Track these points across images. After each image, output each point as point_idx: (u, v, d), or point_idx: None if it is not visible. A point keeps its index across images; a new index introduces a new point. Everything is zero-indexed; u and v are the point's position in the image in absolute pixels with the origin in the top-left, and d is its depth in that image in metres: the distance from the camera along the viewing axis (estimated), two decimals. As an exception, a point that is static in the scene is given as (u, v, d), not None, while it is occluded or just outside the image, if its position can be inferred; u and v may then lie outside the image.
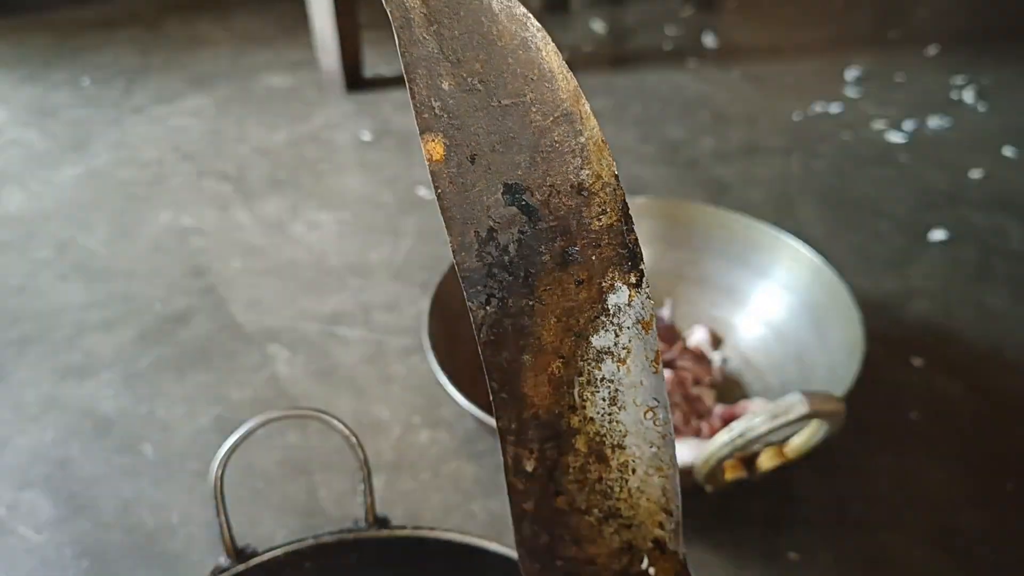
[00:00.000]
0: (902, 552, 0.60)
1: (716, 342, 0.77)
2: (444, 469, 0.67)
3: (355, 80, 1.34)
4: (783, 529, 0.62)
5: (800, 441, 0.53)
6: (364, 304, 0.87)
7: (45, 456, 0.70)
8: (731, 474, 0.54)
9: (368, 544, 0.45)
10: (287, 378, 0.77)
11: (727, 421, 0.66)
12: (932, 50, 1.43)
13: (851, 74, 1.35)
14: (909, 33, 1.53)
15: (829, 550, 0.60)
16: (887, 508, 0.64)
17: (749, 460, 0.54)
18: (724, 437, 0.50)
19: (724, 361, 0.75)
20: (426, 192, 1.07)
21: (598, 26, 1.60)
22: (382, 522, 0.46)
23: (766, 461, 0.54)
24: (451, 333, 0.69)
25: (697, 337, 0.76)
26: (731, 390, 0.73)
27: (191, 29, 1.57)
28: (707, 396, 0.70)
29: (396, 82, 1.37)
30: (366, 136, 1.21)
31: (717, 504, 0.63)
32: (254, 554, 0.43)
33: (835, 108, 1.26)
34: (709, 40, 1.52)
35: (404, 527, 0.45)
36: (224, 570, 0.42)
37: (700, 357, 0.73)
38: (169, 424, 0.72)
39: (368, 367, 0.78)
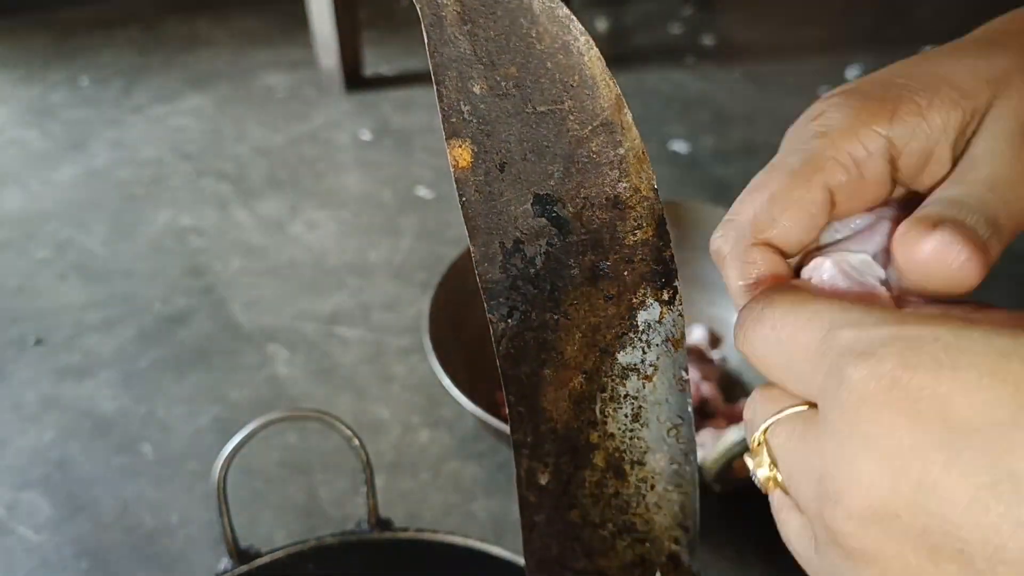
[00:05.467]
0: (903, 552, 0.60)
1: (715, 341, 0.76)
2: (444, 469, 0.67)
3: (355, 79, 1.34)
4: (784, 529, 0.62)
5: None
6: (364, 304, 0.87)
7: (44, 456, 0.69)
8: (741, 473, 0.54)
9: (370, 546, 0.45)
10: (286, 378, 0.77)
11: (729, 420, 0.66)
12: (932, 48, 1.42)
13: (851, 73, 1.35)
14: (909, 32, 1.53)
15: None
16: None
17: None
18: (735, 436, 0.50)
19: (723, 360, 0.75)
20: (426, 192, 1.06)
21: (598, 24, 1.60)
22: (385, 524, 0.45)
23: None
24: (451, 333, 0.68)
25: (696, 336, 0.76)
26: (731, 389, 0.73)
27: (190, 29, 1.57)
28: (714, 395, 0.70)
29: (396, 81, 1.36)
30: (366, 135, 1.21)
31: (718, 503, 0.63)
32: (257, 555, 0.43)
33: (835, 107, 1.25)
34: (709, 39, 1.52)
35: (406, 529, 0.45)
36: (226, 571, 0.42)
37: (702, 356, 0.72)
38: (168, 424, 0.72)
39: (368, 367, 0.78)
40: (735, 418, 0.66)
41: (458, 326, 0.69)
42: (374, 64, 1.40)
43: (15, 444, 0.71)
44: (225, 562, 0.42)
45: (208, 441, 0.70)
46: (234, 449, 0.41)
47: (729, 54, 1.46)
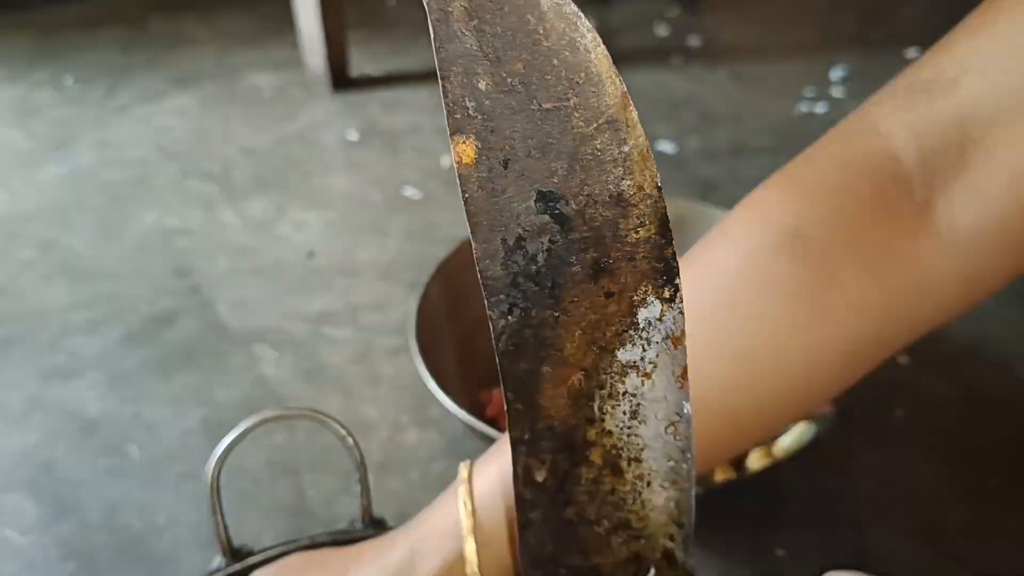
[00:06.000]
0: (889, 548, 0.60)
1: (703, 340, 0.77)
2: (433, 469, 0.67)
3: (341, 79, 1.33)
4: (771, 527, 0.62)
5: (789, 441, 0.53)
6: (352, 304, 0.86)
7: (29, 458, 0.69)
8: (720, 475, 0.54)
9: None
10: (274, 379, 0.77)
11: (715, 419, 0.66)
12: (916, 51, 1.44)
13: (836, 74, 1.36)
14: (893, 33, 1.54)
15: (817, 547, 0.61)
16: (874, 505, 0.64)
17: (738, 461, 0.54)
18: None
19: (711, 359, 0.75)
20: (413, 192, 1.06)
21: (584, 26, 1.60)
22: (378, 523, 0.45)
23: (755, 461, 0.54)
24: (439, 334, 0.68)
25: (685, 336, 0.76)
26: (719, 388, 0.73)
27: (175, 28, 1.56)
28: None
29: (383, 82, 1.36)
30: (352, 136, 1.21)
31: (706, 502, 0.63)
32: (250, 554, 0.43)
33: (821, 108, 1.26)
34: (695, 40, 1.53)
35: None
36: (219, 570, 0.42)
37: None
38: (155, 425, 0.72)
39: (356, 367, 0.78)
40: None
41: (446, 326, 0.69)
42: (360, 64, 1.40)
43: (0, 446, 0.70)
44: (218, 560, 0.42)
45: (195, 442, 0.70)
46: (228, 447, 0.41)
47: (715, 55, 1.47)
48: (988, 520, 0.62)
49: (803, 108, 1.26)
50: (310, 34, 1.31)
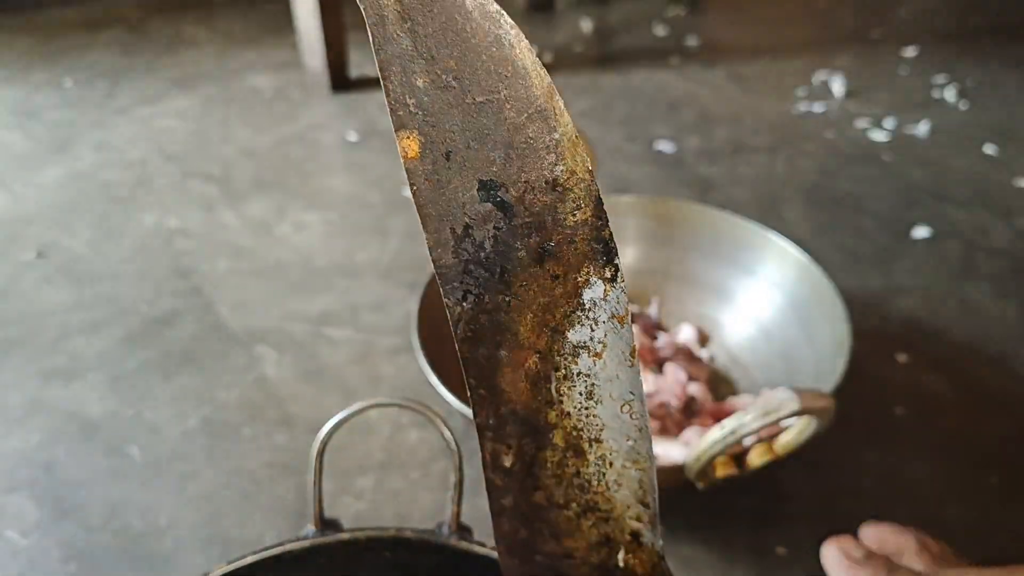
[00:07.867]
0: (888, 546, 0.60)
1: (703, 340, 0.77)
2: (433, 468, 0.67)
3: (340, 80, 1.34)
4: (771, 524, 0.62)
5: (790, 437, 0.53)
6: (352, 304, 0.87)
7: (31, 459, 0.69)
8: (722, 471, 0.54)
9: (446, 551, 0.45)
10: (275, 379, 0.77)
11: (716, 418, 0.67)
12: (914, 50, 1.44)
13: (834, 73, 1.36)
14: (891, 32, 1.54)
15: (817, 545, 0.61)
16: (873, 502, 0.64)
17: (739, 457, 0.55)
18: (716, 434, 0.50)
19: (711, 359, 0.75)
20: (413, 192, 1.07)
21: (583, 25, 1.61)
22: (464, 530, 0.46)
23: (756, 458, 0.54)
24: (439, 333, 0.68)
25: (684, 335, 0.76)
26: (718, 387, 0.73)
27: (175, 30, 1.56)
28: (702, 394, 0.70)
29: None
30: (352, 136, 1.21)
31: (706, 500, 0.63)
32: (339, 529, 0.44)
33: (818, 107, 1.26)
34: (694, 40, 1.53)
35: (483, 544, 0.45)
36: (307, 537, 0.44)
37: (691, 355, 0.73)
38: (156, 426, 0.72)
39: (356, 367, 0.78)
40: (722, 416, 0.66)
41: (445, 325, 0.69)
42: (360, 65, 1.40)
43: (1, 447, 0.70)
44: (310, 529, 0.44)
45: (196, 443, 0.70)
46: (331, 429, 0.43)
47: (713, 54, 1.47)
48: (988, 518, 0.62)
49: (801, 107, 1.26)
50: (309, 35, 1.31)
